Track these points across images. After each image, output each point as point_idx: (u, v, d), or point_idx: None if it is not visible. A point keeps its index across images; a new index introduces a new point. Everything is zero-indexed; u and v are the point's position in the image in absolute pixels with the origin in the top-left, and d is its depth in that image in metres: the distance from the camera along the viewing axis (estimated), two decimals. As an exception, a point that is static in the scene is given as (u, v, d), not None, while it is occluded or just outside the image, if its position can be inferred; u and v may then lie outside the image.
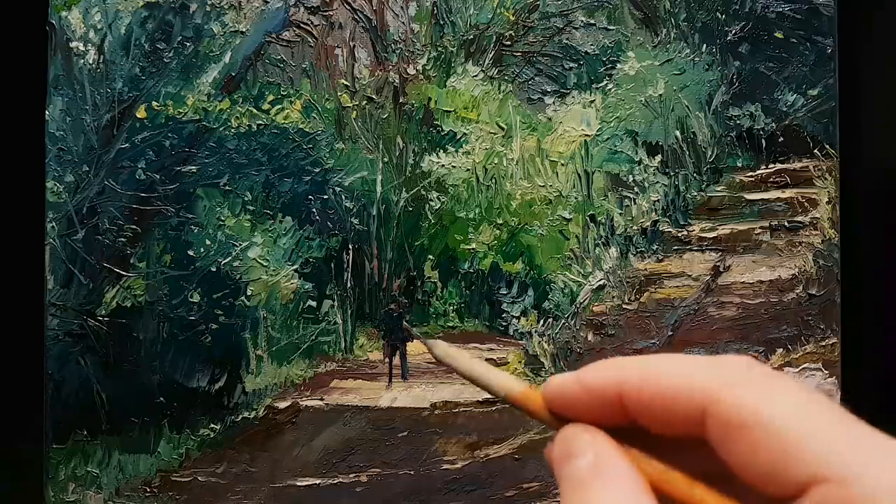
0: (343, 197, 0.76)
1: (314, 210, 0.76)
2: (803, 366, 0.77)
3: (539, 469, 0.76)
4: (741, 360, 0.23)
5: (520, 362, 0.77)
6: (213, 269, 0.75)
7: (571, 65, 0.78)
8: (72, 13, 0.73)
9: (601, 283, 0.78)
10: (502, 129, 0.78)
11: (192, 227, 0.74)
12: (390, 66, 0.77)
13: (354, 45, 0.77)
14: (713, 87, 0.79)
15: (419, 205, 0.77)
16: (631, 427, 0.24)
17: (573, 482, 0.23)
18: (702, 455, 0.23)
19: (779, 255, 0.78)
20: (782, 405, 0.21)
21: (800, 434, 0.21)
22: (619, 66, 0.78)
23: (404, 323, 0.76)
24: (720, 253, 0.79)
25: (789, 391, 0.22)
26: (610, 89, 0.78)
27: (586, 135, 0.78)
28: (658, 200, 0.78)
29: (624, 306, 0.78)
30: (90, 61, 0.74)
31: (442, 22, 0.77)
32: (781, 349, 0.78)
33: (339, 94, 0.76)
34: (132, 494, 0.74)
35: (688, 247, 0.79)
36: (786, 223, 0.79)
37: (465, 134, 0.77)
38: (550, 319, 0.77)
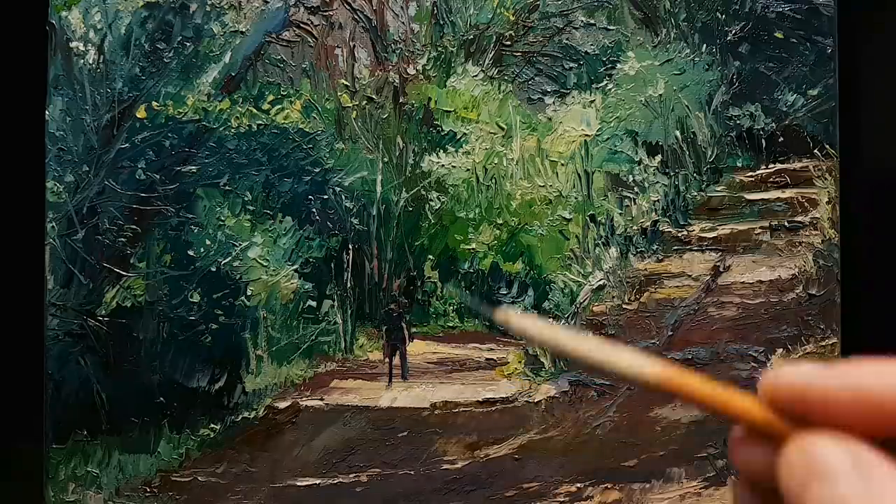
0: (343, 197, 0.76)
1: (314, 210, 0.76)
2: (803, 366, 0.77)
3: (539, 469, 0.76)
4: None
5: (520, 362, 0.77)
6: (213, 269, 0.75)
7: (571, 65, 0.78)
8: (72, 13, 0.73)
9: (601, 283, 0.78)
10: (502, 129, 0.78)
11: (192, 227, 0.74)
12: (390, 66, 0.77)
13: (354, 45, 0.77)
14: (713, 87, 0.79)
15: (419, 205, 0.77)
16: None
17: None
18: None
19: (779, 255, 0.78)
20: None
21: None
22: (619, 66, 0.78)
23: (403, 326, 0.76)
24: (720, 253, 0.79)
25: None
26: (610, 89, 0.78)
27: (586, 135, 0.78)
28: (658, 200, 0.78)
29: (624, 306, 0.78)
30: (90, 61, 0.74)
31: (442, 22, 0.77)
32: (781, 349, 0.78)
33: (339, 94, 0.76)
34: (132, 494, 0.74)
35: (688, 247, 0.79)
36: (786, 223, 0.79)
37: (465, 134, 0.77)
38: (550, 319, 0.77)
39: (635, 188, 0.78)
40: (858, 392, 0.18)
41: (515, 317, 0.23)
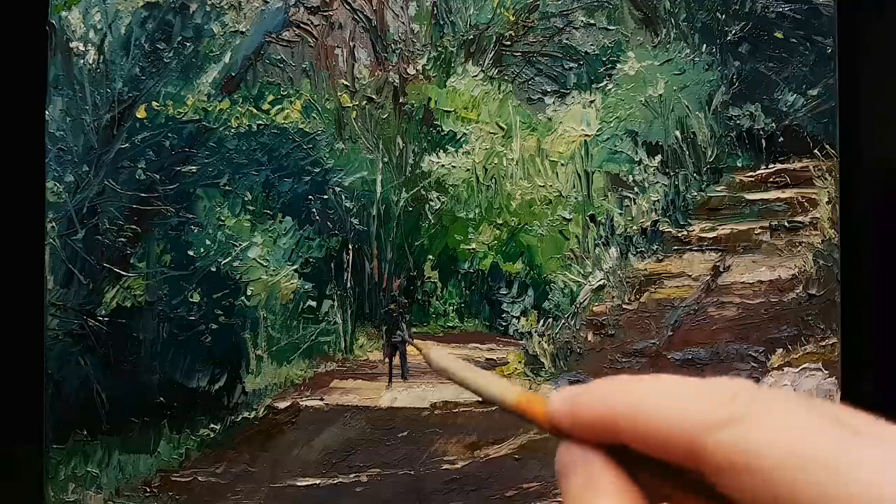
0: (343, 197, 0.76)
1: (314, 210, 0.76)
2: (803, 366, 0.77)
3: (539, 469, 0.76)
4: (725, 389, 0.22)
5: (520, 362, 0.77)
6: (213, 269, 0.75)
7: (571, 65, 0.78)
8: (72, 13, 0.73)
9: (601, 283, 0.78)
10: (502, 129, 0.78)
11: (192, 227, 0.74)
12: (390, 66, 0.77)
13: (354, 45, 0.77)
14: (713, 87, 0.79)
15: (419, 205, 0.77)
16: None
17: (568, 498, 0.25)
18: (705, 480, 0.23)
19: (779, 255, 0.78)
20: (773, 441, 0.21)
21: (794, 475, 0.20)
22: (619, 66, 0.78)
23: (402, 326, 0.76)
24: (720, 253, 0.79)
25: (780, 420, 0.21)
26: (610, 89, 0.78)
27: (586, 135, 0.78)
28: (658, 200, 0.78)
29: (624, 306, 0.78)
30: (90, 61, 0.74)
31: (442, 22, 0.77)
32: (781, 349, 0.78)
33: (339, 94, 0.76)
34: (132, 494, 0.74)
35: (688, 247, 0.79)
36: (786, 223, 0.79)
37: (465, 134, 0.77)
38: (550, 319, 0.77)
39: (635, 188, 0.78)
40: (578, 422, 0.25)
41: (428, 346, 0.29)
